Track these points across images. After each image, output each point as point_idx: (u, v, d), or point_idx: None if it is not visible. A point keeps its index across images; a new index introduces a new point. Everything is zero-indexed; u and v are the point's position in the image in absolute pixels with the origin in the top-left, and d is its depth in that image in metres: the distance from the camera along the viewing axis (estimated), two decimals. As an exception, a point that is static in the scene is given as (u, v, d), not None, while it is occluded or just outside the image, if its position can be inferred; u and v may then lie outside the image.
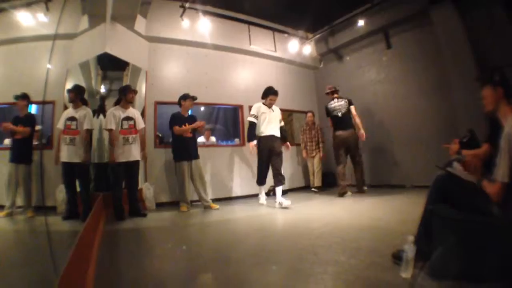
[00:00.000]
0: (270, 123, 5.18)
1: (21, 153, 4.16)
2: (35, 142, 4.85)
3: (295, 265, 2.17)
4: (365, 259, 2.16)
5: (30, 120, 4.23)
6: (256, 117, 5.18)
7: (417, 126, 6.10)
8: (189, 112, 5.36)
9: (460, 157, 2.26)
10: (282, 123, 5.47)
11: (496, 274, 1.54)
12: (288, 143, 5.46)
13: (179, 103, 5.31)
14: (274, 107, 5.33)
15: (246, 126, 6.68)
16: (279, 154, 5.12)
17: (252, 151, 5.11)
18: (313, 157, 6.95)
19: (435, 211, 1.86)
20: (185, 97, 5.27)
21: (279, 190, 4.99)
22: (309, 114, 7.14)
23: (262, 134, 5.13)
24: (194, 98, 5.33)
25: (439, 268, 1.69)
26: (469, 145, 2.41)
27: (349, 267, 2.03)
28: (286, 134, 5.66)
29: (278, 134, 5.25)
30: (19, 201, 4.06)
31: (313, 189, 6.81)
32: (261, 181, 5.23)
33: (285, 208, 4.68)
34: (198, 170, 5.16)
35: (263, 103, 5.30)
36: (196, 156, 5.20)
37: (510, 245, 1.55)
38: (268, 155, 5.10)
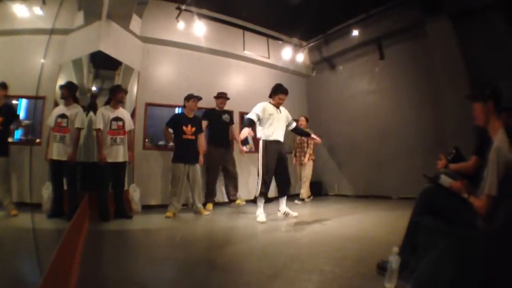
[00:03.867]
0: (278, 127, 4.52)
1: None
2: (23, 138, 4.78)
3: (280, 272, 2.17)
4: (350, 268, 2.18)
5: (5, 110, 4.15)
6: (258, 118, 4.43)
7: (406, 138, 6.18)
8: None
9: (448, 170, 2.30)
10: (294, 124, 4.86)
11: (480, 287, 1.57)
12: (313, 135, 4.91)
13: (183, 104, 5.21)
14: (281, 108, 4.68)
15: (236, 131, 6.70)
16: (287, 159, 4.64)
17: (243, 137, 4.29)
18: (304, 164, 6.39)
19: (421, 223, 1.89)
20: (189, 97, 5.14)
21: (284, 199, 4.64)
22: (302, 119, 6.58)
23: (270, 139, 4.42)
24: (198, 98, 5.20)
25: (423, 279, 1.71)
26: (455, 161, 2.45)
27: (334, 276, 2.04)
28: (304, 129, 5.24)
29: (283, 138, 4.59)
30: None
31: (296, 201, 6.34)
32: (265, 192, 4.37)
33: (292, 217, 4.51)
34: (195, 175, 5.03)
35: (270, 103, 4.62)
36: (196, 161, 5.07)
37: (494, 259, 1.57)
38: (275, 162, 4.42)
